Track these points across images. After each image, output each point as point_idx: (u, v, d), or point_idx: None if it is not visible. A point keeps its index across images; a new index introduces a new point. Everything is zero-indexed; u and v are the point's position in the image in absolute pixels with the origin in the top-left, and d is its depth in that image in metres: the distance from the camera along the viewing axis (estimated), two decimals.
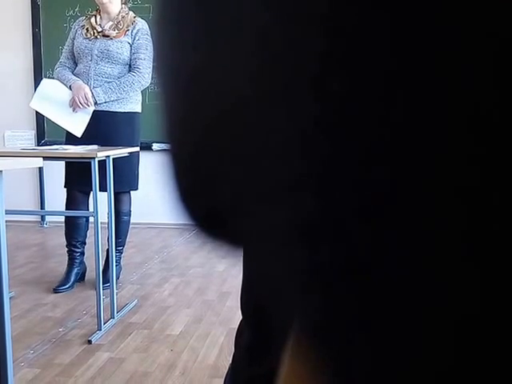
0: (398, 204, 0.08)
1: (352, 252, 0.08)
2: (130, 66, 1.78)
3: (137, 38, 1.77)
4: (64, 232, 1.84)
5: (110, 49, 1.75)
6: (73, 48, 1.81)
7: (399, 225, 0.08)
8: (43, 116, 2.02)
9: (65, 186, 1.80)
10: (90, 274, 1.87)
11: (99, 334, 1.42)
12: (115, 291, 1.54)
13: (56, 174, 1.88)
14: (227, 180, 0.10)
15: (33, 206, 3.04)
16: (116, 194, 1.68)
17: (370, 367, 0.08)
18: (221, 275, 1.99)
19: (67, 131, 1.77)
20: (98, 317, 1.43)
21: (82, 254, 1.85)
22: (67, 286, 1.80)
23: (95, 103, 1.73)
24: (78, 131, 1.74)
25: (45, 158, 1.25)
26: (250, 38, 0.09)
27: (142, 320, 1.55)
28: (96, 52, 1.75)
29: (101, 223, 1.42)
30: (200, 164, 0.11)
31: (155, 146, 2.54)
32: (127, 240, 1.93)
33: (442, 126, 0.07)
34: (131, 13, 1.83)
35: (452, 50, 0.07)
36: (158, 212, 2.54)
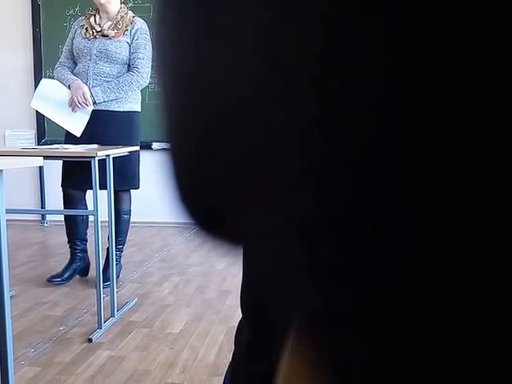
0: (397, 204, 0.08)
1: (352, 251, 0.08)
2: (128, 65, 1.78)
3: (135, 38, 1.77)
4: (65, 230, 1.86)
5: (109, 48, 1.75)
6: (72, 48, 1.82)
7: (399, 225, 0.08)
8: (43, 115, 2.03)
9: (62, 185, 1.80)
10: (91, 272, 1.87)
11: (99, 332, 1.42)
12: (115, 290, 1.55)
13: (56, 173, 1.89)
14: (227, 179, 0.10)
15: (33, 205, 3.04)
16: (116, 193, 1.68)
17: (369, 366, 0.08)
18: (220, 274, 1.99)
19: (67, 131, 1.77)
20: (99, 315, 1.43)
21: (83, 250, 1.86)
22: (60, 278, 1.81)
23: (94, 103, 1.74)
24: (78, 131, 1.74)
25: (45, 158, 1.25)
26: (249, 37, 0.09)
27: (142, 318, 1.55)
28: (95, 52, 1.76)
29: (101, 222, 1.42)
30: (200, 163, 0.11)
31: (155, 145, 2.54)
32: (127, 239, 1.93)
33: (442, 126, 0.07)
34: (130, 12, 1.82)
35: (452, 50, 0.07)
36: (158, 211, 2.54)
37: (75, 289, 1.80)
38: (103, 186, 1.45)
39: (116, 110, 1.77)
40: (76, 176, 1.71)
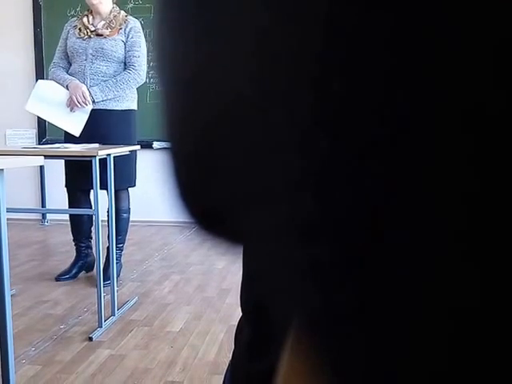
0: (397, 204, 0.08)
1: (351, 251, 0.08)
2: (125, 63, 1.79)
3: (130, 36, 1.78)
4: (70, 229, 1.88)
5: (105, 47, 1.76)
6: (66, 48, 1.82)
7: (399, 224, 0.08)
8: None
9: (66, 186, 1.81)
10: (92, 271, 1.88)
11: (100, 331, 1.42)
12: (116, 289, 1.55)
13: (57, 172, 1.89)
14: (227, 179, 0.10)
15: (34, 204, 3.04)
16: (114, 192, 1.68)
17: (369, 366, 0.08)
18: (220, 272, 1.99)
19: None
20: (99, 314, 1.44)
21: (88, 247, 1.89)
22: (68, 275, 1.85)
23: (93, 102, 1.74)
24: (77, 131, 1.75)
25: (46, 157, 1.26)
26: (249, 38, 0.09)
27: (142, 317, 1.55)
28: (91, 51, 1.76)
29: (101, 221, 1.42)
30: (200, 163, 0.11)
31: (156, 145, 2.54)
32: (127, 237, 1.93)
33: (442, 126, 0.07)
34: (122, 12, 1.83)
35: (452, 50, 0.07)
36: (158, 210, 2.54)
37: (76, 288, 1.80)
38: (103, 186, 1.45)
39: (114, 108, 1.78)
40: (78, 176, 1.72)
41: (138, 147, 1.79)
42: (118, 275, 1.82)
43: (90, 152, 1.43)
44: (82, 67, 1.77)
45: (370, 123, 0.08)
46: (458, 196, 0.07)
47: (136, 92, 1.85)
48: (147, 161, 2.25)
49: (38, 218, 3.00)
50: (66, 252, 2.14)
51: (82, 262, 1.88)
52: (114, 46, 1.76)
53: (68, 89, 1.74)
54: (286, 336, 0.12)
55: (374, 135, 0.08)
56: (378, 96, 0.08)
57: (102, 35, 1.76)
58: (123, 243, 1.90)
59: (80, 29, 1.79)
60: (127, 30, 1.79)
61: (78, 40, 1.79)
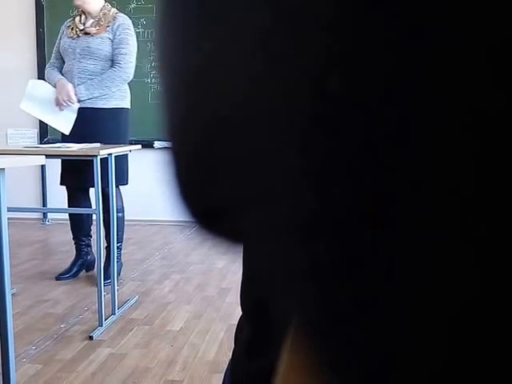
0: (397, 203, 0.08)
1: (351, 251, 0.08)
2: (112, 61, 1.78)
3: (118, 33, 1.76)
4: (70, 227, 1.88)
5: (91, 45, 1.76)
6: (60, 48, 1.84)
7: (398, 224, 0.08)
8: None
9: (60, 184, 1.82)
10: (92, 271, 1.88)
11: (100, 330, 1.42)
12: (116, 288, 1.55)
13: (58, 171, 1.89)
14: (227, 178, 0.10)
15: (35, 203, 3.04)
16: (105, 190, 1.65)
17: (368, 364, 0.08)
18: (220, 271, 1.99)
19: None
20: (99, 313, 1.44)
21: (88, 245, 1.89)
22: (68, 274, 1.85)
23: (79, 100, 1.75)
24: (66, 129, 1.77)
25: (47, 156, 1.26)
26: (250, 38, 0.09)
27: (142, 316, 1.55)
28: (78, 50, 1.77)
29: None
30: (200, 162, 0.11)
31: (156, 144, 2.54)
32: (127, 236, 1.93)
33: (442, 126, 0.07)
34: (114, 9, 1.82)
35: (452, 51, 0.07)
36: (159, 209, 2.54)
37: (76, 287, 1.80)
38: (93, 185, 1.44)
39: (102, 107, 1.77)
40: (76, 175, 1.72)
41: (139, 146, 1.78)
42: (118, 274, 1.81)
43: (91, 152, 1.43)
44: (71, 66, 1.78)
45: (370, 123, 0.08)
46: (458, 196, 0.07)
47: (127, 90, 1.83)
48: (148, 160, 2.25)
49: (39, 217, 3.00)
50: (67, 251, 2.14)
51: (82, 261, 1.88)
52: (100, 43, 1.76)
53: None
54: (285, 335, 0.12)
55: (374, 135, 0.08)
56: (378, 96, 0.08)
57: (89, 34, 1.76)
58: (122, 242, 1.90)
59: (72, 28, 1.81)
60: (115, 27, 1.77)
61: (68, 40, 1.80)
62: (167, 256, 2.26)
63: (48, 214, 2.98)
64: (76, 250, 1.88)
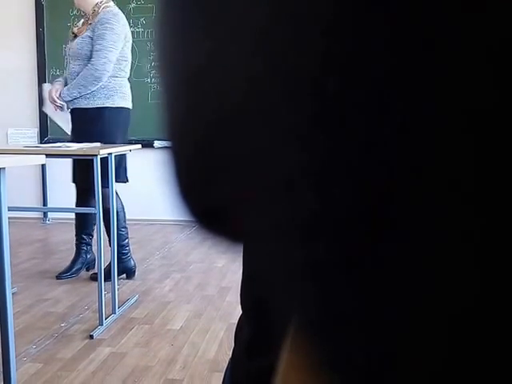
0: (397, 203, 0.08)
1: (351, 251, 0.08)
2: None
3: (96, 30, 1.73)
4: (71, 227, 1.90)
5: (73, 47, 1.76)
6: None
7: (398, 224, 0.08)
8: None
9: (72, 181, 1.85)
10: (93, 270, 1.88)
11: (101, 329, 1.43)
12: (116, 287, 1.55)
13: (58, 171, 1.90)
14: (227, 178, 0.10)
15: (35, 202, 3.05)
16: (104, 189, 1.66)
17: (368, 363, 0.09)
18: (220, 271, 1.99)
19: None
20: (100, 312, 1.44)
21: (89, 244, 1.90)
22: (69, 273, 1.86)
23: (67, 101, 1.78)
24: (67, 128, 1.84)
25: (47, 156, 1.25)
26: (250, 38, 0.09)
27: (142, 315, 1.56)
28: (70, 52, 1.79)
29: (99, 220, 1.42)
30: (200, 162, 0.11)
31: (156, 144, 2.54)
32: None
33: (442, 126, 0.07)
34: (105, 5, 1.76)
35: (452, 51, 0.07)
36: (159, 208, 2.54)
37: (77, 286, 1.80)
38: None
39: (86, 107, 1.77)
40: (79, 174, 1.73)
41: (139, 146, 1.78)
42: (133, 273, 1.84)
43: (91, 151, 1.43)
44: (68, 69, 1.81)
45: (370, 123, 0.08)
46: (458, 196, 0.07)
47: (117, 88, 1.79)
48: (148, 160, 2.25)
49: (40, 216, 3.01)
50: (67, 250, 2.14)
51: (82, 259, 1.88)
52: (81, 43, 1.74)
53: None
54: (285, 333, 0.12)
55: (373, 135, 0.08)
56: (378, 96, 0.08)
57: (77, 34, 1.77)
58: (126, 239, 1.89)
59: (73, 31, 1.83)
60: (94, 23, 1.71)
61: (68, 44, 1.83)
62: (167, 255, 2.26)
63: (48, 213, 2.98)
64: (76, 249, 1.89)
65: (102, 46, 1.73)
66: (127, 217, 1.90)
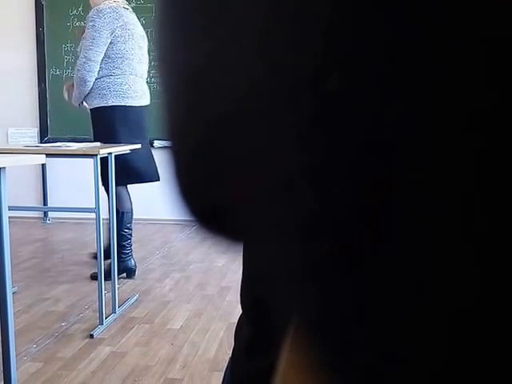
0: (397, 202, 0.08)
1: (351, 251, 0.08)
2: None
3: (85, 30, 1.70)
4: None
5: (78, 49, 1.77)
6: None
7: (399, 224, 0.08)
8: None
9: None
10: (93, 270, 1.88)
11: (101, 328, 1.43)
12: (117, 286, 1.55)
13: (58, 170, 1.89)
14: (227, 178, 0.10)
15: (35, 202, 3.05)
16: (118, 189, 1.67)
17: (368, 362, 0.09)
18: (221, 270, 1.99)
19: None
20: (100, 311, 1.44)
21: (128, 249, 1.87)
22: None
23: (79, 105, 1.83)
24: None
25: (47, 155, 1.26)
26: (250, 38, 0.09)
27: (143, 314, 1.56)
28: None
29: (103, 219, 1.42)
30: (200, 161, 0.11)
31: (157, 143, 2.54)
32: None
33: (441, 125, 0.07)
34: (107, 2, 1.72)
35: (451, 51, 0.07)
36: (160, 208, 2.54)
37: (77, 285, 1.80)
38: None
39: (89, 108, 1.80)
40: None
41: (139, 146, 1.78)
42: (134, 273, 1.81)
43: (90, 151, 1.43)
44: None
45: (370, 123, 0.08)
46: (458, 196, 0.07)
47: (110, 87, 1.76)
48: None
49: (40, 216, 3.01)
50: (68, 250, 2.14)
51: (123, 266, 1.83)
52: (80, 46, 1.73)
53: None
54: (285, 333, 0.12)
55: (373, 135, 0.08)
56: (378, 95, 0.08)
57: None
58: (129, 239, 1.88)
59: None
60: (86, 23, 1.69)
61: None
62: (167, 255, 2.26)
63: (49, 212, 2.99)
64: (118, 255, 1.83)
65: (83, 45, 1.70)
66: None
